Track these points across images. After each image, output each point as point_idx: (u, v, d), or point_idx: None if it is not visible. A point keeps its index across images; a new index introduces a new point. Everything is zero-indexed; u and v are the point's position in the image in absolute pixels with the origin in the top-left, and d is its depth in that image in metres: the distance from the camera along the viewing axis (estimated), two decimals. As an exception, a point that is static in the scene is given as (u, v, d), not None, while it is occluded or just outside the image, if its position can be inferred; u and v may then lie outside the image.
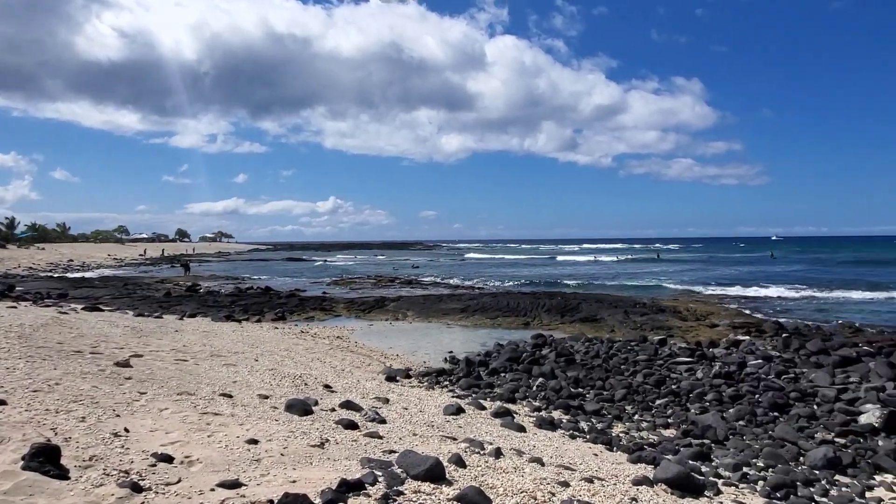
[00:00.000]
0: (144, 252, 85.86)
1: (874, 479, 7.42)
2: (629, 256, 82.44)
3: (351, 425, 6.09)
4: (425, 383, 12.04)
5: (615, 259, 76.71)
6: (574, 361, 13.86)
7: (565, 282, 39.41)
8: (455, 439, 6.55)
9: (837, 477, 7.39)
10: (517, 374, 13.00)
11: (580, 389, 11.82)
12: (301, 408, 6.44)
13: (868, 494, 6.84)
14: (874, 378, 12.31)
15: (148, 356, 8.79)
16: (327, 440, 5.38)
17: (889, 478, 7.45)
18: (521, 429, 8.32)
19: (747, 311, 24.18)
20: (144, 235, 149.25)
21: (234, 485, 3.88)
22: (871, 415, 9.37)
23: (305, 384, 8.79)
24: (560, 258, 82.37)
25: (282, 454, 4.73)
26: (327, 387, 8.91)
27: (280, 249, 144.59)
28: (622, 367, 13.46)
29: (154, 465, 4.08)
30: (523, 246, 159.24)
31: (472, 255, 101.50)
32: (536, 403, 10.76)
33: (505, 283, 39.57)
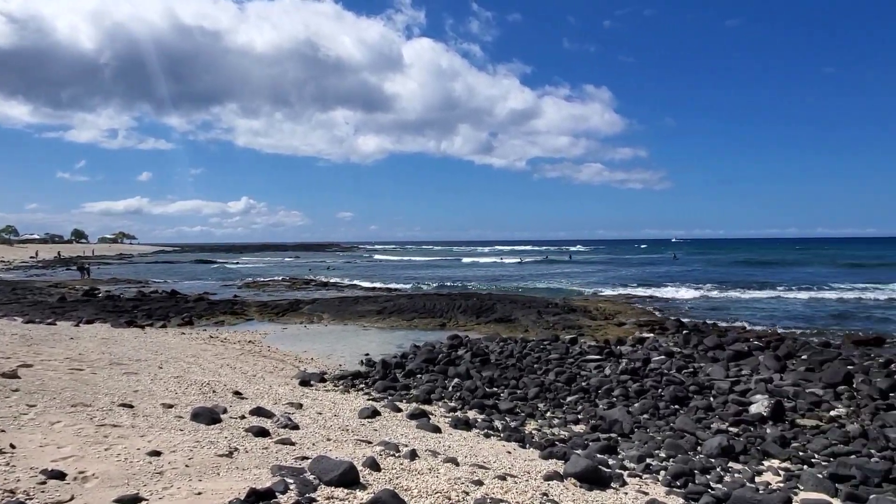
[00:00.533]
0: (36, 254, 79.92)
1: (763, 464, 7.99)
2: (536, 258, 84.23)
3: (262, 432, 5.91)
4: (340, 387, 11.87)
5: (519, 261, 77.01)
6: (489, 361, 14.08)
7: (473, 283, 40.06)
8: (370, 443, 6.50)
9: (731, 464, 7.90)
10: (433, 375, 13.06)
11: (495, 389, 12.02)
12: (208, 416, 6.18)
13: (757, 479, 7.35)
14: (763, 370, 13.27)
15: (38, 366, 8.17)
16: (236, 449, 5.19)
17: (776, 463, 8.04)
18: (437, 430, 8.36)
19: (652, 310, 25.43)
20: (36, 236, 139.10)
21: (133, 500, 3.68)
22: (760, 405, 10.08)
23: (214, 391, 8.46)
24: (466, 259, 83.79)
25: (187, 465, 4.52)
26: (237, 393, 8.61)
27: (188, 251, 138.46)
28: (535, 365, 13.80)
29: (43, 483, 3.80)
30: (436, 248, 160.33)
31: (379, 256, 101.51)
32: (452, 404, 10.86)
33: (418, 284, 39.74)
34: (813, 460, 8.14)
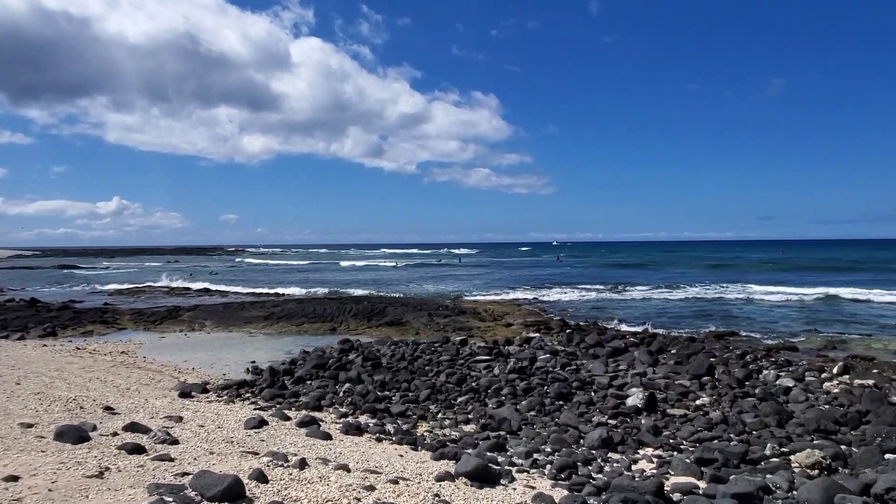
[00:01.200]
0: None
1: (638, 453, 8.53)
2: (420, 261, 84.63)
3: (137, 449, 5.52)
4: (225, 397, 11.35)
5: (394, 265, 74.99)
6: (380, 365, 14.02)
7: (363, 286, 39.83)
8: (257, 454, 6.26)
9: (610, 454, 8.38)
10: (324, 380, 12.81)
11: (386, 392, 11.98)
12: (75, 435, 5.69)
13: (634, 467, 7.84)
14: (638, 365, 14.17)
15: None
16: (107, 468, 4.81)
17: (650, 451, 8.61)
18: (328, 436, 8.20)
19: (538, 311, 26.41)
20: None
21: (-16, 533, 3.30)
22: (635, 397, 10.76)
23: (81, 408, 7.80)
24: (345, 263, 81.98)
25: (50, 490, 4.14)
26: (108, 409, 7.99)
27: (51, 255, 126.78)
28: (426, 367, 13.90)
29: None
30: (327, 251, 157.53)
31: (267, 260, 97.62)
32: (343, 409, 10.69)
33: (308, 288, 38.85)
34: (682, 446, 8.80)
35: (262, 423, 8.38)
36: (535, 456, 8.03)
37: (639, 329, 20.57)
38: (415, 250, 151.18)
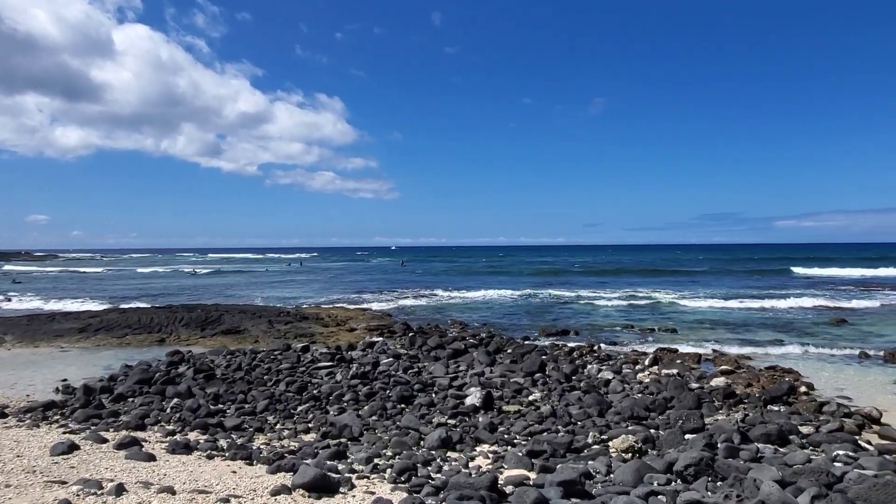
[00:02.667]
0: None
1: (476, 450, 8.84)
2: (251, 268, 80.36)
3: None
4: (27, 421, 10.02)
5: (192, 271, 69.16)
6: (214, 376, 13.22)
7: (198, 294, 37.51)
8: (65, 483, 5.60)
9: (449, 453, 8.60)
10: (149, 397, 11.80)
11: (220, 406, 11.31)
12: None
13: (471, 464, 8.11)
14: (477, 365, 14.72)
15: None
16: None
17: (486, 447, 8.95)
18: (151, 457, 7.55)
19: (381, 315, 26.49)
20: None
21: None
22: (473, 396, 11.16)
23: None
24: (142, 270, 75.38)
25: None
26: None
27: None
28: (265, 377, 13.35)
29: None
30: (157, 256, 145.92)
31: (85, 268, 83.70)
32: (171, 427, 9.91)
33: (132, 297, 35.73)
34: (515, 441, 9.27)
35: (72, 447, 7.52)
36: (376, 461, 8.01)
37: (478, 330, 21.40)
38: (251, 255, 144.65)
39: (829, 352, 17.02)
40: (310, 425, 10.12)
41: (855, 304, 28.66)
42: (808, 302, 29.63)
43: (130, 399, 11.75)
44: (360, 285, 45.11)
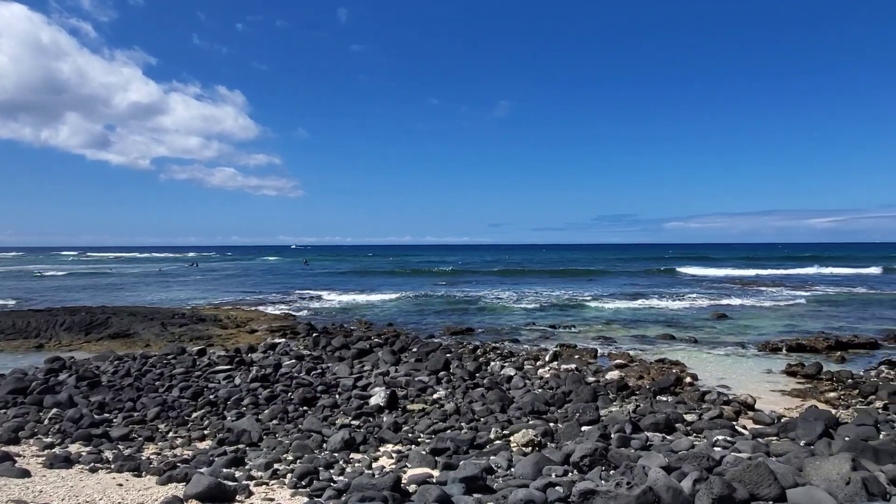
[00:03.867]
0: None
1: (380, 450, 8.79)
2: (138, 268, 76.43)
3: None
4: None
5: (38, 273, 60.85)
6: (99, 384, 12.36)
7: (83, 294, 35.03)
8: (-83, 507, 5.03)
9: (353, 455, 8.49)
10: (24, 407, 10.83)
11: (106, 415, 10.58)
12: None
13: (375, 465, 8.05)
14: (382, 365, 14.64)
15: None
16: None
17: (390, 447, 8.92)
18: (26, 473, 6.93)
19: (284, 315, 25.78)
20: None
21: None
22: (378, 396, 11.08)
23: None
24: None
25: None
26: None
27: None
28: (157, 383, 12.63)
29: None
30: (36, 256, 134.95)
31: None
32: (49, 439, 9.15)
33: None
34: (419, 440, 9.30)
35: (-71, 467, 6.77)
36: (276, 466, 7.77)
37: (384, 330, 21.30)
38: (139, 254, 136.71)
39: (711, 345, 18.31)
40: (205, 432, 9.68)
41: (734, 300, 30.98)
42: (692, 299, 31.77)
43: (3, 411, 10.74)
44: (262, 285, 43.71)
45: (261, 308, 28.58)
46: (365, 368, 14.36)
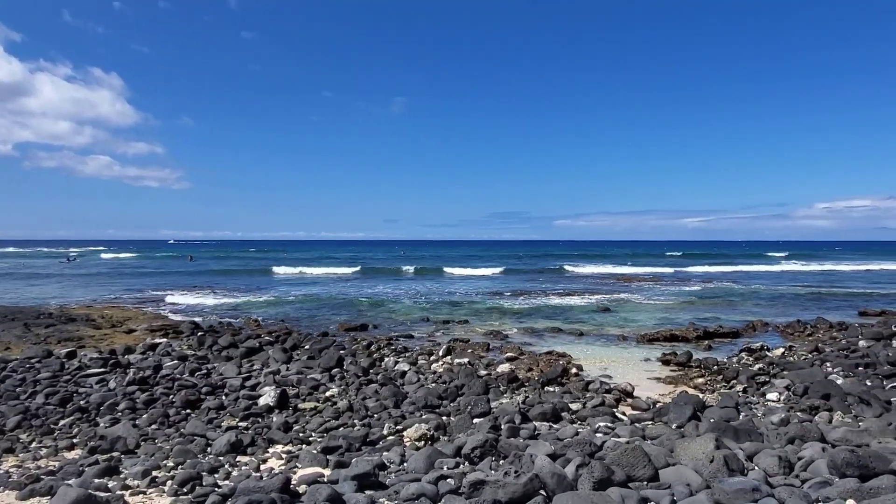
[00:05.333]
0: None
1: (268, 452, 8.50)
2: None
3: None
4: None
5: None
6: (-52, 392, 11.09)
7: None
8: None
9: (239, 458, 8.15)
10: None
11: (-45, 426, 9.51)
12: None
13: (263, 467, 7.77)
14: (272, 363, 14.20)
15: None
16: None
17: (280, 448, 8.66)
18: None
19: (167, 314, 24.36)
20: None
21: None
22: (267, 396, 10.74)
23: None
24: None
25: None
26: None
27: None
28: (18, 389, 11.50)
29: None
30: None
31: None
32: None
33: None
34: (310, 439, 9.10)
35: None
36: (155, 473, 7.32)
37: (275, 327, 20.66)
38: (13, 248, 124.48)
39: (595, 337, 19.30)
40: (74, 441, 8.95)
41: (616, 295, 32.84)
42: (579, 294, 33.35)
43: None
44: (142, 282, 41.02)
45: (140, 307, 26.82)
46: (254, 368, 13.86)
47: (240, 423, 9.75)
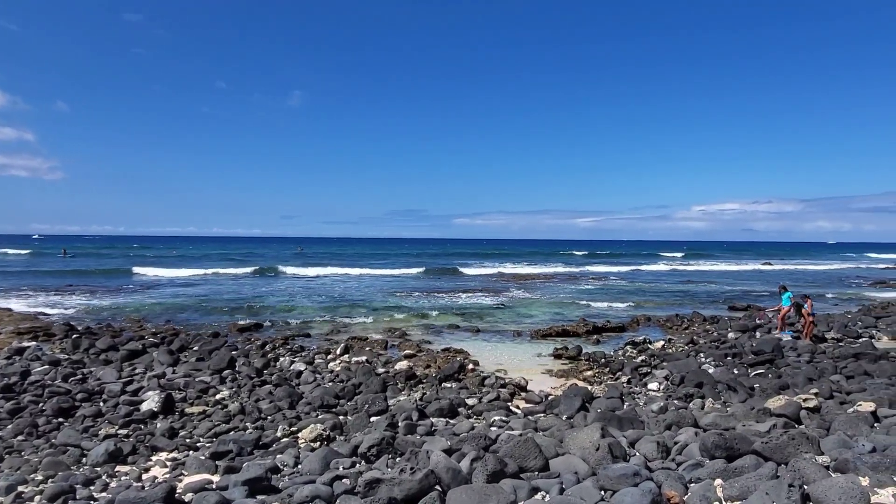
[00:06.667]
0: None
1: (151, 459, 8.02)
2: None
3: None
4: None
5: None
6: None
7: None
8: None
9: (119, 468, 7.64)
10: None
11: None
12: None
13: (145, 476, 7.32)
14: (157, 366, 13.42)
15: None
16: None
17: (164, 455, 8.19)
18: None
19: (35, 315, 22.37)
20: None
21: None
22: (151, 401, 10.13)
23: None
24: None
25: None
26: None
27: None
28: None
29: None
30: None
31: None
32: None
33: None
34: (198, 444, 8.69)
35: None
36: (22, 488, 6.71)
37: (161, 328, 19.53)
38: None
39: (491, 333, 19.76)
40: (-77, 457, 8.02)
41: (512, 293, 33.80)
42: (476, 292, 34.04)
43: None
44: (9, 280, 37.45)
45: (4, 307, 24.44)
46: (136, 371, 13.04)
47: (119, 431, 9.13)
